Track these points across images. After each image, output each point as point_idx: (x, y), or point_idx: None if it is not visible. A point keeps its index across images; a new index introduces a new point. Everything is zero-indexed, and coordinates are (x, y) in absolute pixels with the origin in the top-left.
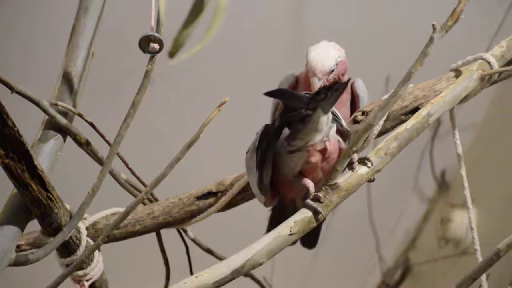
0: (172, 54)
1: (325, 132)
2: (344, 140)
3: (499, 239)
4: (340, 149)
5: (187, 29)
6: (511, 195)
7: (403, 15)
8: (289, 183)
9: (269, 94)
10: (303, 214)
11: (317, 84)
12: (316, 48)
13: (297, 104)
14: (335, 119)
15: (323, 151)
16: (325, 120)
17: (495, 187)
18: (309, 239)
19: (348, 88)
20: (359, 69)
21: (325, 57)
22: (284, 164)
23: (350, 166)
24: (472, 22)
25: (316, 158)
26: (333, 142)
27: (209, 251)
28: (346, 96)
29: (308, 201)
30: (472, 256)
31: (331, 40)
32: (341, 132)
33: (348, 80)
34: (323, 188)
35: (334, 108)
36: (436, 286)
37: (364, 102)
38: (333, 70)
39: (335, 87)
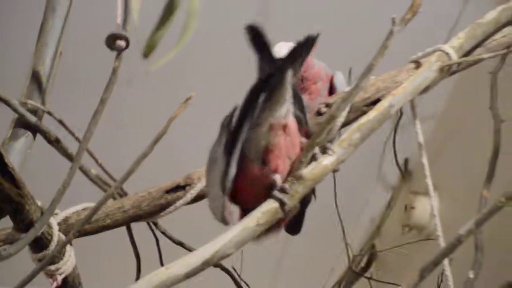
0: (145, 55)
1: (288, 107)
2: (305, 136)
3: (461, 225)
4: (301, 144)
5: (160, 31)
6: (472, 182)
7: (364, 8)
8: (256, 176)
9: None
10: (270, 205)
11: None
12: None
13: (267, 64)
14: (301, 110)
15: (284, 127)
16: (289, 91)
17: (457, 174)
18: (293, 225)
19: (327, 79)
20: (322, 62)
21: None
22: (250, 146)
23: (314, 157)
24: (430, 15)
25: (278, 133)
26: (292, 122)
27: (179, 243)
28: (322, 85)
29: (275, 192)
30: (435, 241)
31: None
32: (299, 124)
33: (317, 36)
34: (289, 179)
35: (304, 98)
36: (401, 271)
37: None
38: None
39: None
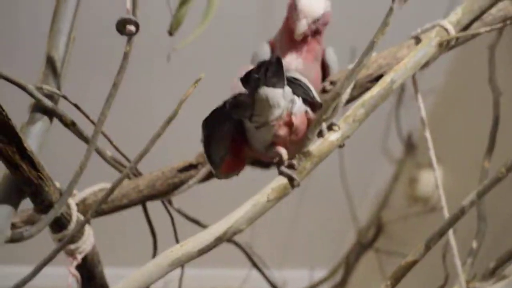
0: (171, 33)
1: (285, 106)
2: (314, 110)
3: (464, 195)
4: (309, 120)
5: (183, 8)
6: (474, 154)
7: None
8: (262, 154)
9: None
10: (279, 182)
11: (302, 27)
12: None
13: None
14: (304, 92)
15: (289, 125)
16: (280, 95)
17: (459, 146)
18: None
19: (316, 46)
20: (324, 41)
21: (315, 2)
22: (254, 139)
23: (320, 133)
24: None
25: (283, 131)
26: (300, 116)
27: (193, 220)
28: (316, 52)
29: (283, 168)
30: (440, 212)
31: None
32: (311, 103)
33: (278, 58)
34: (296, 155)
35: (303, 79)
36: (407, 242)
37: (335, 71)
38: (319, 19)
39: (268, 63)
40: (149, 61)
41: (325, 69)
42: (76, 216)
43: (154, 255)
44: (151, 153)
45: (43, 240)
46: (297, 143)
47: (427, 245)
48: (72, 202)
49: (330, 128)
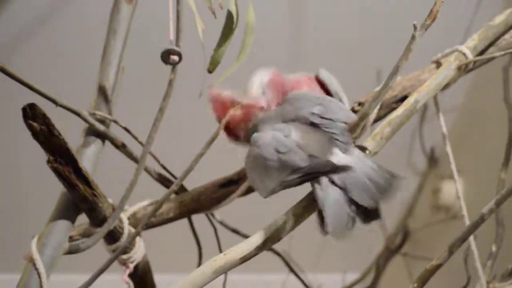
0: (210, 71)
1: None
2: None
3: (483, 205)
4: None
5: (221, 47)
6: (492, 166)
7: (390, 15)
8: None
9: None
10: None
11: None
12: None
13: None
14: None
15: None
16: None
17: (478, 160)
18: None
19: (311, 81)
20: (352, 64)
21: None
22: None
23: None
24: (448, 19)
25: None
26: None
27: (234, 231)
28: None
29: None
30: (461, 220)
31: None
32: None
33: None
34: None
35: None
36: (432, 248)
37: (334, 85)
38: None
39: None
40: (192, 87)
41: (327, 89)
42: (127, 229)
43: (200, 263)
44: (196, 170)
45: (99, 251)
46: None
47: (450, 250)
48: (124, 216)
49: (362, 150)
